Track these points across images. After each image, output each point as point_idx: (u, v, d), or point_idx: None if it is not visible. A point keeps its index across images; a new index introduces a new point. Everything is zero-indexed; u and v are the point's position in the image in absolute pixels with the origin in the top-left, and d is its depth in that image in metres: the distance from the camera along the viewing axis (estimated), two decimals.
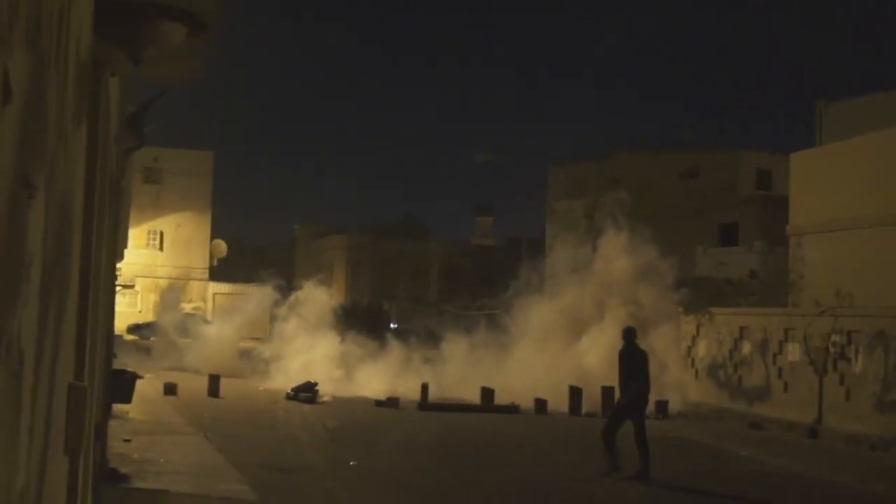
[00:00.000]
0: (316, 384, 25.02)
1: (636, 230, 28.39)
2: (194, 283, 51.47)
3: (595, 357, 26.10)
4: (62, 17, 2.57)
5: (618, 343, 15.87)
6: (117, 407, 17.28)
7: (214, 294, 52.58)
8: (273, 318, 35.51)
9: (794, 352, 22.44)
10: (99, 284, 6.54)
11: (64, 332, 3.43)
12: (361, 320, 38.47)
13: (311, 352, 29.11)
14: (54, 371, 3.02)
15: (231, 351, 32.43)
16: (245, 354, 32.02)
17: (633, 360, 15.13)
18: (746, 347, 24.28)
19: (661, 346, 26.37)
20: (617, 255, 28.64)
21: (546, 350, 27.54)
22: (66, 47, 2.73)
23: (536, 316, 28.89)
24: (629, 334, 15.66)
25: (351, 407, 23.40)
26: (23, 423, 2.16)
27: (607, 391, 24.58)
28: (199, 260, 53.68)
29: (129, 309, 48.72)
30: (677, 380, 26.29)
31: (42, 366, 2.59)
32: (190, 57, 5.98)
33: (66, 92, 2.86)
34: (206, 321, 39.75)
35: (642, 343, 16.57)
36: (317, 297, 32.45)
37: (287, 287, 35.10)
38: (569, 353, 27.17)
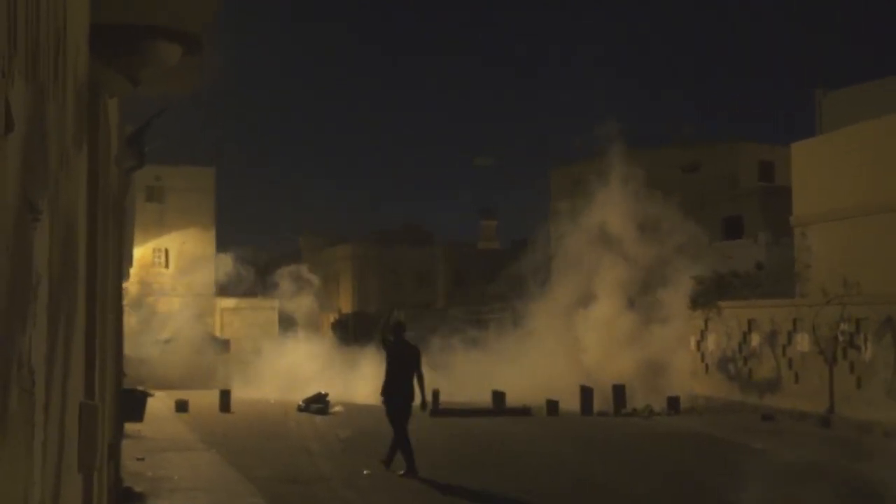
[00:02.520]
0: (327, 395, 25.11)
1: (632, 182, 28.02)
2: (201, 298, 51.47)
3: (594, 336, 26.01)
4: (59, 42, 2.63)
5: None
6: (129, 426, 17.34)
7: (222, 309, 52.68)
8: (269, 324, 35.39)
9: (803, 342, 22.44)
10: (106, 303, 6.61)
11: (73, 351, 3.48)
12: (368, 329, 38.49)
13: (299, 358, 29.11)
14: (65, 389, 3.07)
15: (188, 360, 32.09)
16: (212, 361, 31.73)
17: (404, 358, 14.25)
18: (755, 340, 24.28)
19: (667, 299, 26.24)
20: (612, 208, 28.24)
21: (552, 342, 27.33)
22: (64, 71, 2.79)
23: (541, 310, 28.73)
24: (399, 329, 14.63)
25: (363, 416, 23.42)
26: (36, 438, 2.22)
27: (618, 389, 24.62)
28: (205, 276, 53.72)
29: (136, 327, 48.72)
30: (687, 375, 26.30)
31: (53, 384, 2.64)
32: (186, 74, 6.06)
33: (66, 115, 2.92)
34: (215, 339, 39.63)
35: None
36: (303, 284, 32.39)
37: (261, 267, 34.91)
38: (571, 339, 26.92)
